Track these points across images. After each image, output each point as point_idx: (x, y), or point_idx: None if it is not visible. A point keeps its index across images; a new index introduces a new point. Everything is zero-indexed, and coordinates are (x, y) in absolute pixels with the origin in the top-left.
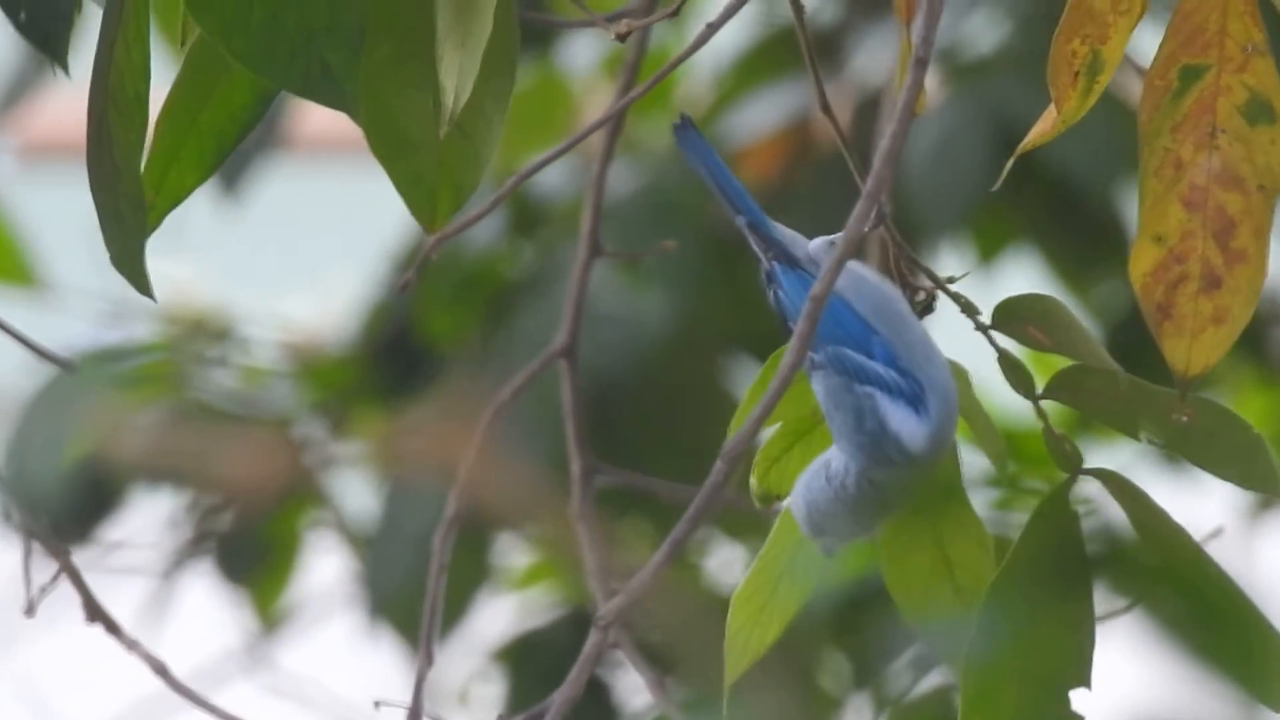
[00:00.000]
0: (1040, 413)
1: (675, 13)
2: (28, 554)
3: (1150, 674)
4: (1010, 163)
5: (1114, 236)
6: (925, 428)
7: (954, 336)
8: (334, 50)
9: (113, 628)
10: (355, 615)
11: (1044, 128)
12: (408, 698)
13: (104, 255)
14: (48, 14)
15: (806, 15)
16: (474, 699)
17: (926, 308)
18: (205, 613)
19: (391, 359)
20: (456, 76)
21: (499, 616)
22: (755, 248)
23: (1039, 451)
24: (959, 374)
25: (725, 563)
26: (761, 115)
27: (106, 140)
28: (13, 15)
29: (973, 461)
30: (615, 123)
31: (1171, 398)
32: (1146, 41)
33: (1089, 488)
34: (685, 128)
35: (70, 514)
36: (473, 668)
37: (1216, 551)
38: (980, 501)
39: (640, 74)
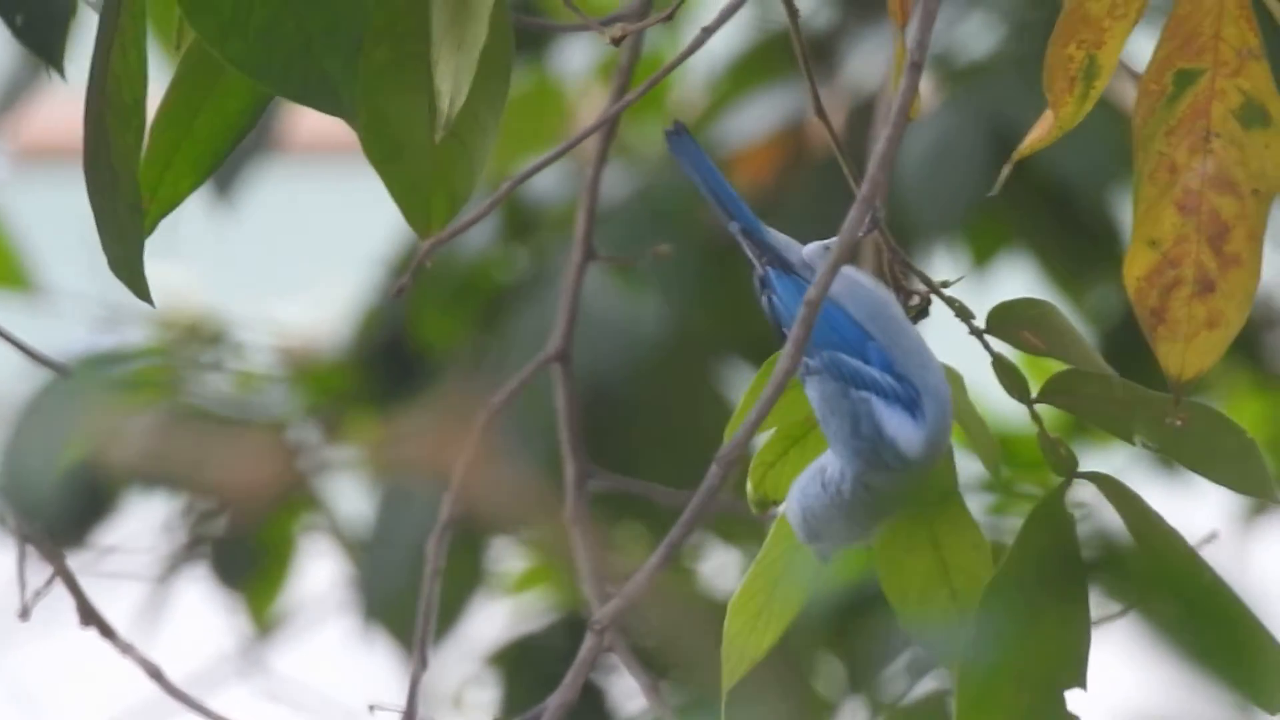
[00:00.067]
0: (1035, 417)
1: (670, 17)
2: (22, 558)
3: (1145, 677)
4: (1007, 169)
5: (1109, 241)
6: (921, 432)
7: (948, 341)
8: (332, 57)
9: (107, 631)
10: (350, 619)
11: (1040, 133)
12: (402, 702)
13: (100, 259)
14: (44, 18)
15: (801, 19)
16: (469, 703)
17: (921, 312)
18: (200, 617)
19: (386, 364)
20: (452, 81)
21: (494, 621)
22: (749, 253)
23: (1034, 456)
24: (953, 378)
25: (720, 567)
26: (756, 120)
27: (104, 145)
28: (9, 19)
29: (968, 466)
30: (609, 127)
31: (1166, 402)
32: (1142, 46)
33: (1084, 492)
34: (679, 133)
35: (65, 518)
36: (467, 672)
37: (1211, 556)
38: (976, 506)
39: (634, 78)
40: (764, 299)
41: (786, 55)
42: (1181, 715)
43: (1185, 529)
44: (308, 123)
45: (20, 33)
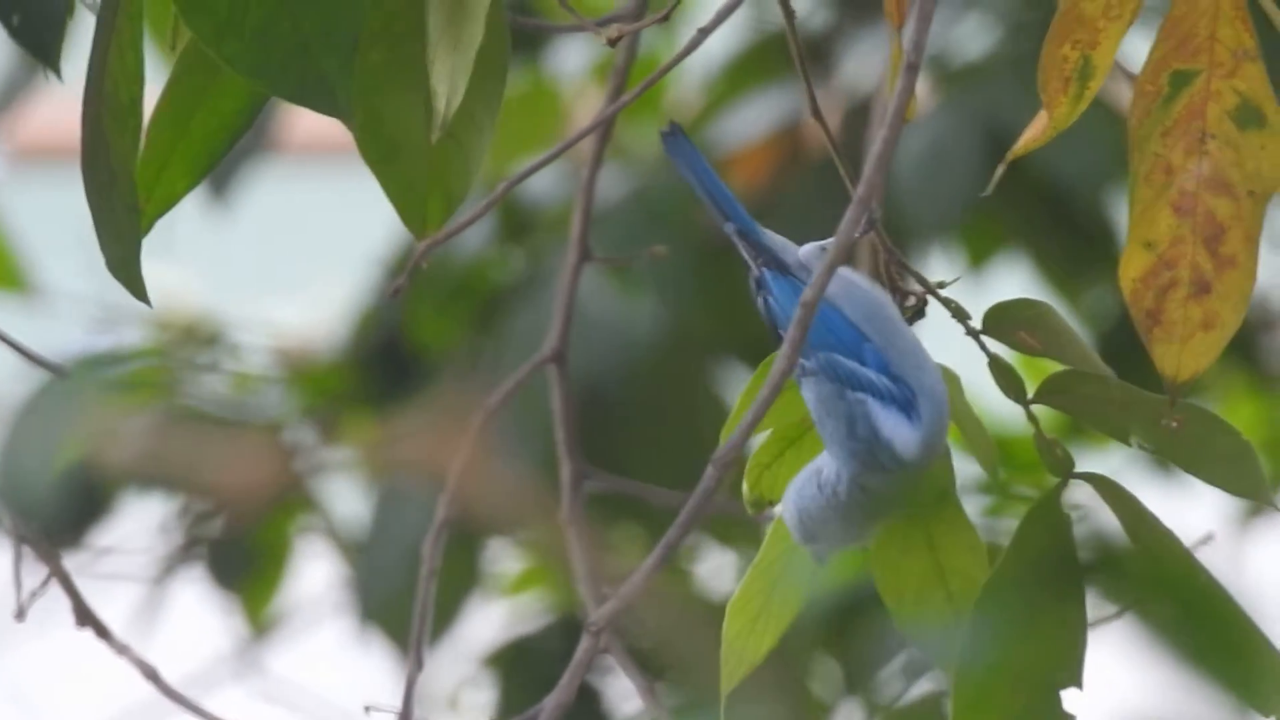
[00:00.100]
0: (1031, 417)
1: (666, 17)
2: (19, 558)
3: (1141, 679)
4: (1001, 169)
5: (1105, 242)
6: (917, 434)
7: (945, 342)
8: (328, 57)
9: (103, 632)
10: (346, 620)
11: (1035, 133)
12: (398, 703)
13: (97, 260)
14: (41, 19)
15: (797, 20)
16: (464, 705)
17: (917, 313)
18: (196, 618)
19: (382, 365)
20: (448, 82)
21: (490, 622)
22: (744, 254)
23: (1030, 458)
24: (950, 379)
25: (716, 569)
26: (751, 121)
27: (102, 146)
28: (5, 20)
29: (965, 468)
30: (605, 128)
31: (1162, 403)
32: (1137, 47)
33: (1080, 493)
34: (674, 134)
35: (61, 519)
36: (463, 673)
37: (1207, 557)
38: (972, 508)
39: (630, 79)
40: (759, 300)
41: (782, 56)
42: (1177, 717)
43: (1181, 531)
44: (304, 123)
45: (16, 33)
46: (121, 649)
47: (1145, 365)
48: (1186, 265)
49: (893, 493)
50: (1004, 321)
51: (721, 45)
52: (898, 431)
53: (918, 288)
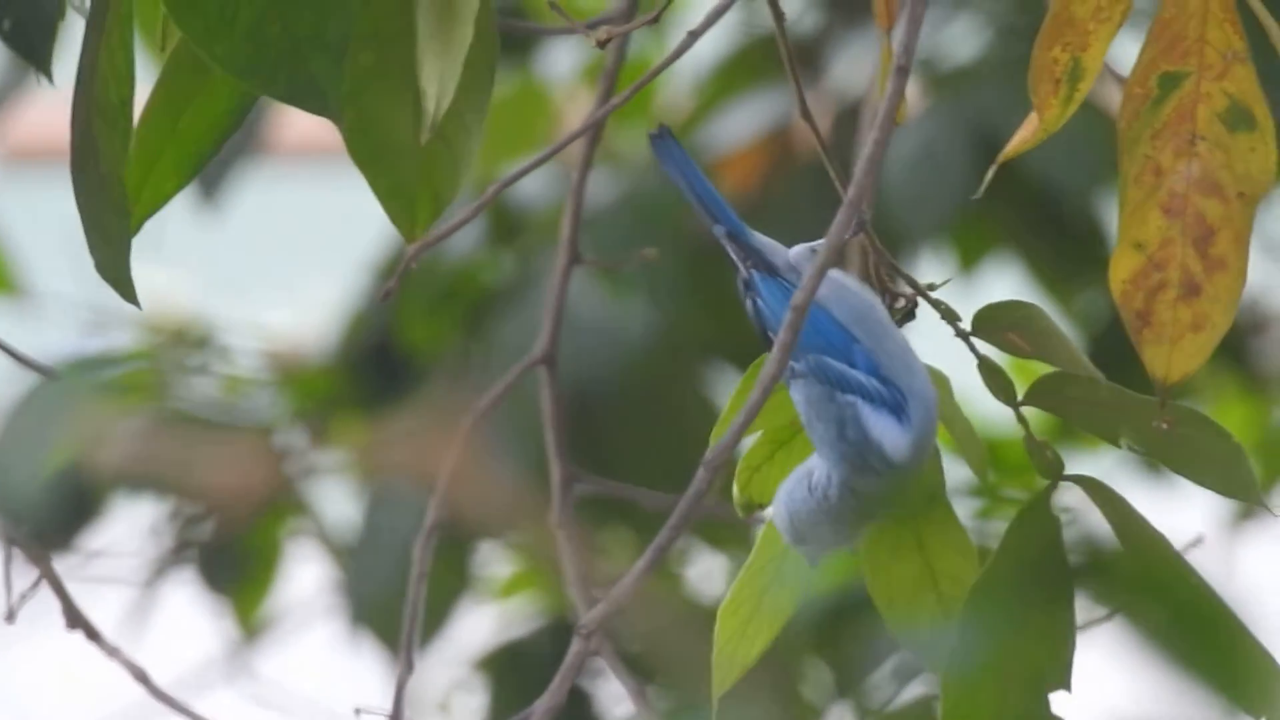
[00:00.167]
0: (1021, 419)
1: (655, 19)
2: (8, 561)
3: (1132, 682)
4: (991, 171)
5: (1096, 244)
6: (907, 436)
7: (934, 344)
8: (318, 58)
9: (93, 635)
10: (336, 623)
11: (1025, 135)
12: (389, 706)
13: (86, 262)
14: (32, 22)
15: (786, 23)
16: (455, 708)
17: (907, 315)
18: (186, 621)
19: (372, 368)
20: (438, 84)
21: (480, 625)
22: (733, 256)
23: (1021, 461)
24: (939, 381)
25: (706, 572)
26: (742, 124)
27: (92, 148)
28: None
29: (955, 471)
30: (595, 131)
31: (1152, 405)
32: (1127, 49)
33: (1070, 497)
34: (663, 137)
35: (52, 522)
36: (454, 677)
37: (1197, 560)
38: (963, 511)
39: (620, 82)
40: (747, 302)
41: (772, 59)
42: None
43: (1172, 533)
44: (294, 125)
45: (7, 37)
46: (112, 651)
47: (1137, 367)
48: (1176, 267)
49: (883, 495)
50: (993, 323)
51: (711, 48)
52: (888, 434)
53: (907, 290)
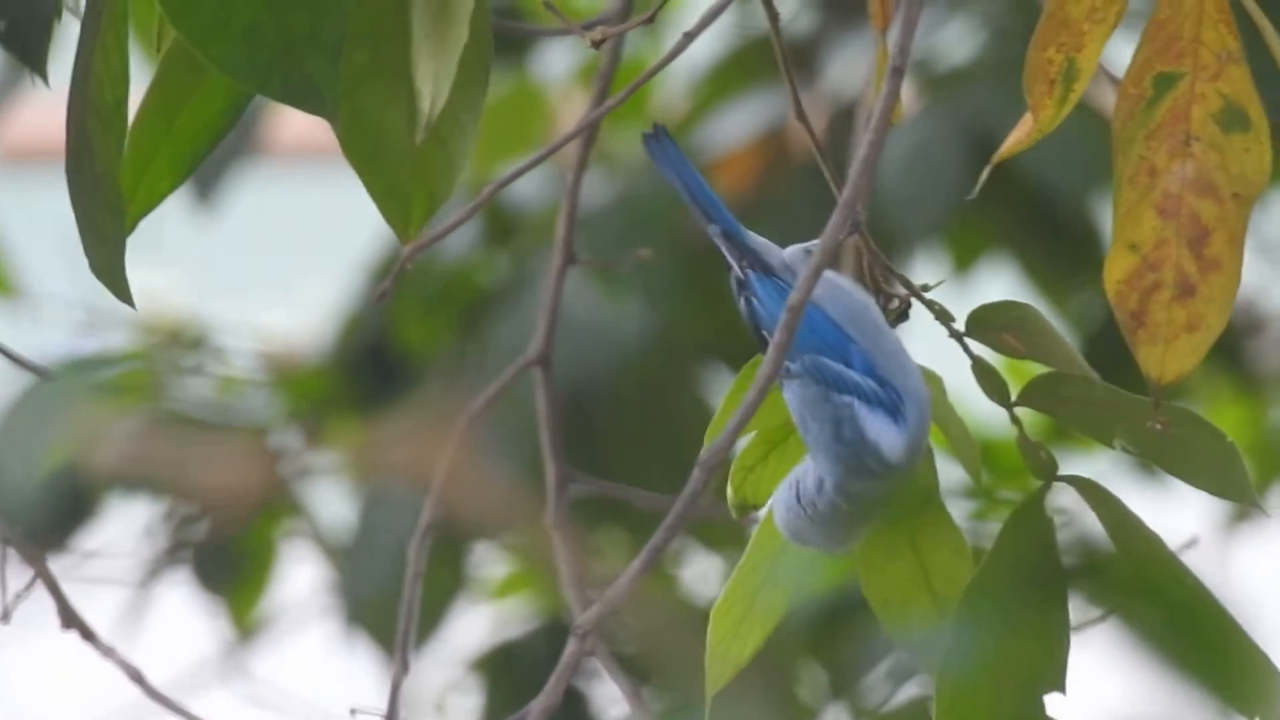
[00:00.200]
0: (1015, 420)
1: (650, 20)
2: (3, 561)
3: (1127, 683)
4: (986, 172)
5: (1091, 245)
6: (903, 437)
7: (928, 345)
8: (314, 58)
9: (88, 635)
10: (331, 624)
11: (1020, 136)
12: (384, 706)
13: (81, 263)
14: (27, 23)
15: (781, 24)
16: (450, 709)
17: (901, 315)
18: (181, 621)
19: (367, 368)
20: (432, 84)
21: (475, 626)
22: (728, 256)
23: (1015, 463)
24: (933, 381)
25: (701, 573)
26: (736, 125)
27: (87, 149)
28: None
29: (950, 472)
30: (590, 132)
31: (1146, 405)
32: (1121, 50)
33: (1065, 499)
34: (658, 137)
35: (47, 522)
36: (449, 677)
37: (1192, 561)
38: (958, 512)
39: (615, 83)
40: (742, 301)
41: (767, 60)
42: None
43: (1168, 534)
44: (290, 126)
45: (3, 38)
46: (107, 651)
47: (1132, 368)
48: (1171, 267)
49: (876, 498)
50: (987, 324)
51: (706, 49)
52: (884, 434)
53: (902, 290)
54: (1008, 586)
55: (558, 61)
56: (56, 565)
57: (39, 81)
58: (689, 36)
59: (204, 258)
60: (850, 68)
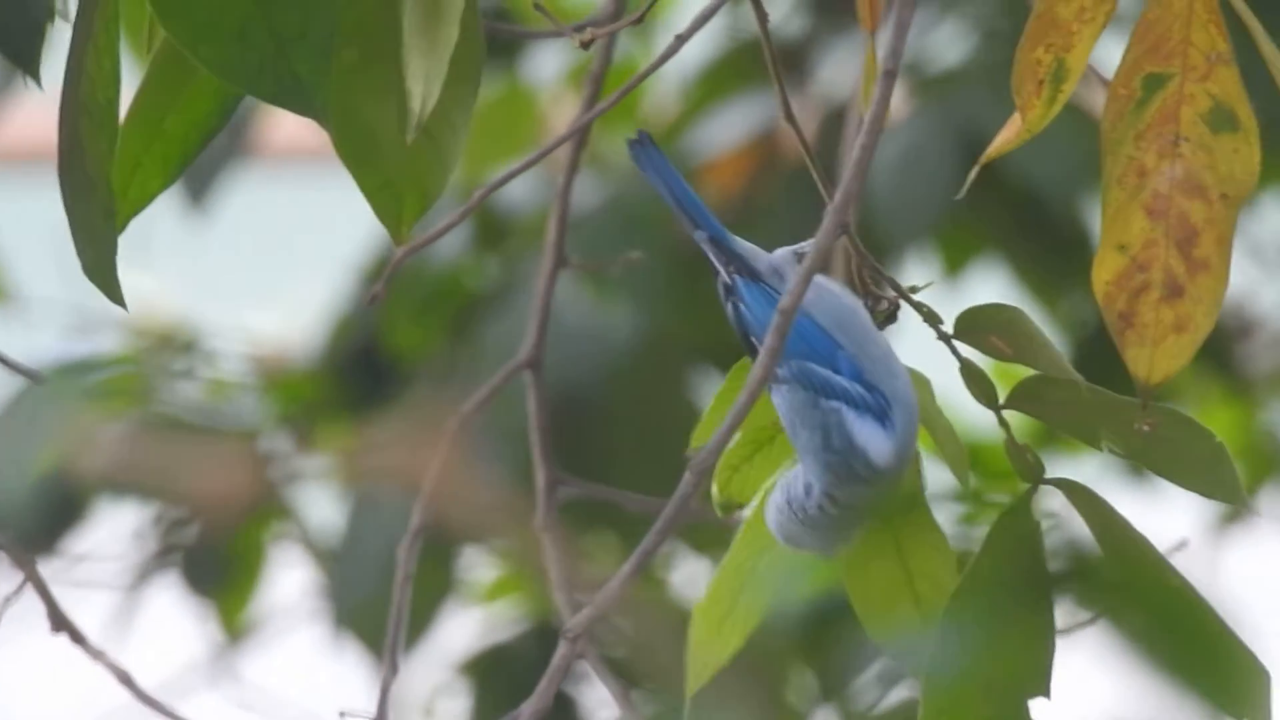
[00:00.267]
0: (1003, 423)
1: (640, 20)
2: None
3: (1116, 686)
4: (974, 171)
5: (1082, 248)
6: (891, 442)
7: (917, 347)
8: (304, 59)
9: (78, 638)
10: (320, 627)
11: (1008, 136)
12: (373, 710)
13: (72, 265)
14: (20, 25)
15: (772, 27)
16: (439, 712)
17: (890, 317)
18: (171, 624)
19: (358, 371)
20: (423, 82)
21: (465, 630)
22: (714, 261)
23: (1003, 466)
24: (920, 383)
25: (690, 577)
26: (727, 128)
27: (79, 151)
28: None
29: (938, 476)
30: (581, 135)
31: (1134, 407)
32: (1111, 51)
33: (1054, 502)
34: (642, 143)
35: (36, 525)
36: (438, 681)
37: (1182, 563)
38: (945, 516)
39: (606, 86)
40: (728, 306)
41: (758, 63)
42: None
43: (1158, 537)
44: (281, 128)
45: None
46: (96, 655)
47: (1124, 372)
48: (1159, 268)
49: (865, 503)
50: (976, 326)
51: (697, 52)
52: (873, 440)
53: (890, 292)
54: (995, 590)
55: (548, 64)
56: (46, 568)
57: (31, 83)
58: (680, 39)
59: (195, 261)
60: (841, 70)
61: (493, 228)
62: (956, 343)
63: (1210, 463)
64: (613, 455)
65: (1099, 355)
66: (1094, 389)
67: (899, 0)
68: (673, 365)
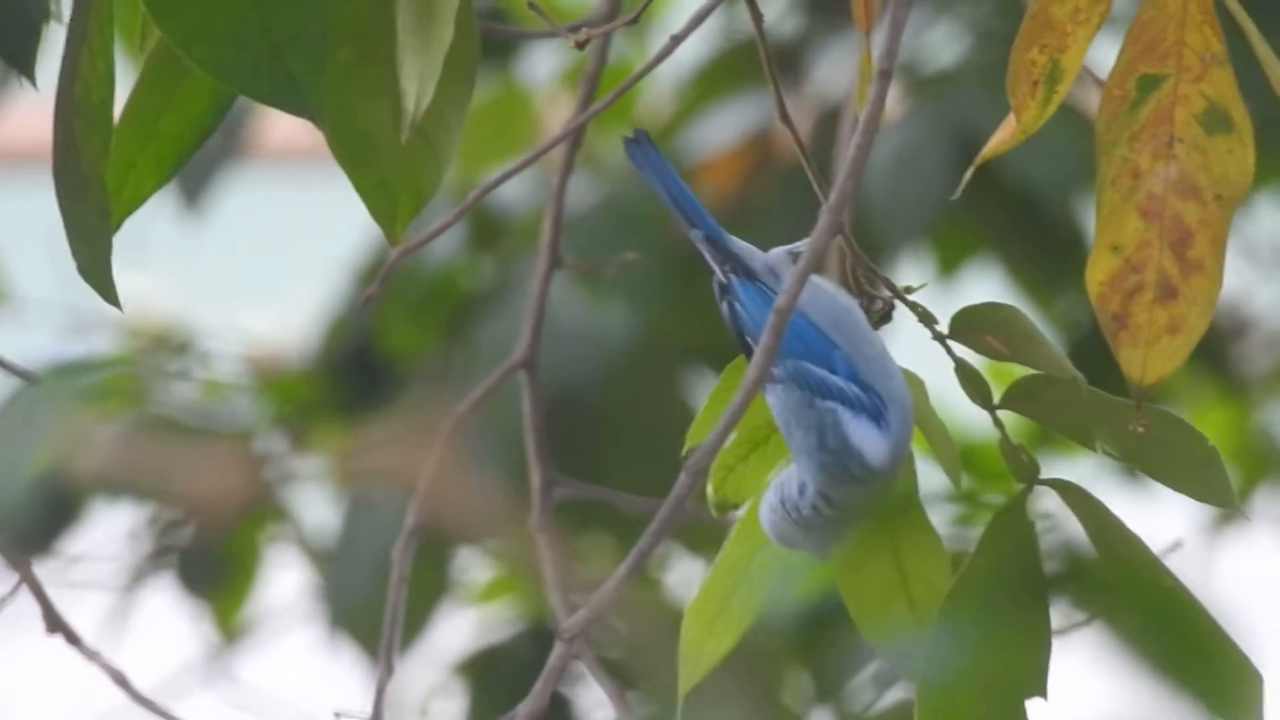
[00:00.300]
0: (997, 422)
1: (635, 20)
2: None
3: (1110, 687)
4: (969, 172)
5: (1077, 248)
6: (886, 443)
7: (911, 347)
8: (298, 60)
9: (73, 638)
10: (315, 628)
11: (1003, 137)
12: (368, 710)
13: (67, 266)
14: (15, 26)
15: (767, 27)
16: (435, 713)
17: (885, 317)
18: (166, 625)
19: (352, 372)
20: (417, 82)
21: (460, 630)
22: (710, 261)
23: (998, 466)
24: (914, 383)
25: (686, 578)
26: (722, 128)
27: (73, 151)
28: None
29: (933, 478)
30: (576, 135)
31: (1128, 408)
32: (1105, 52)
33: (1050, 502)
34: (639, 142)
35: (32, 526)
36: (434, 681)
37: (1176, 564)
38: (941, 517)
39: (601, 86)
40: (724, 305)
41: (753, 64)
42: None
43: (1153, 538)
44: (277, 129)
45: None
46: (91, 655)
47: (1118, 373)
48: (1153, 269)
49: (860, 503)
50: (971, 326)
51: (692, 53)
52: (868, 441)
53: (885, 292)
54: (989, 590)
55: (543, 65)
56: (41, 569)
57: (26, 84)
58: (676, 40)
59: (190, 261)
60: (836, 71)
61: (488, 228)
62: (951, 343)
63: (1202, 465)
64: (608, 456)
65: (1093, 356)
66: (1090, 389)
67: (893, 1)
68: (668, 365)
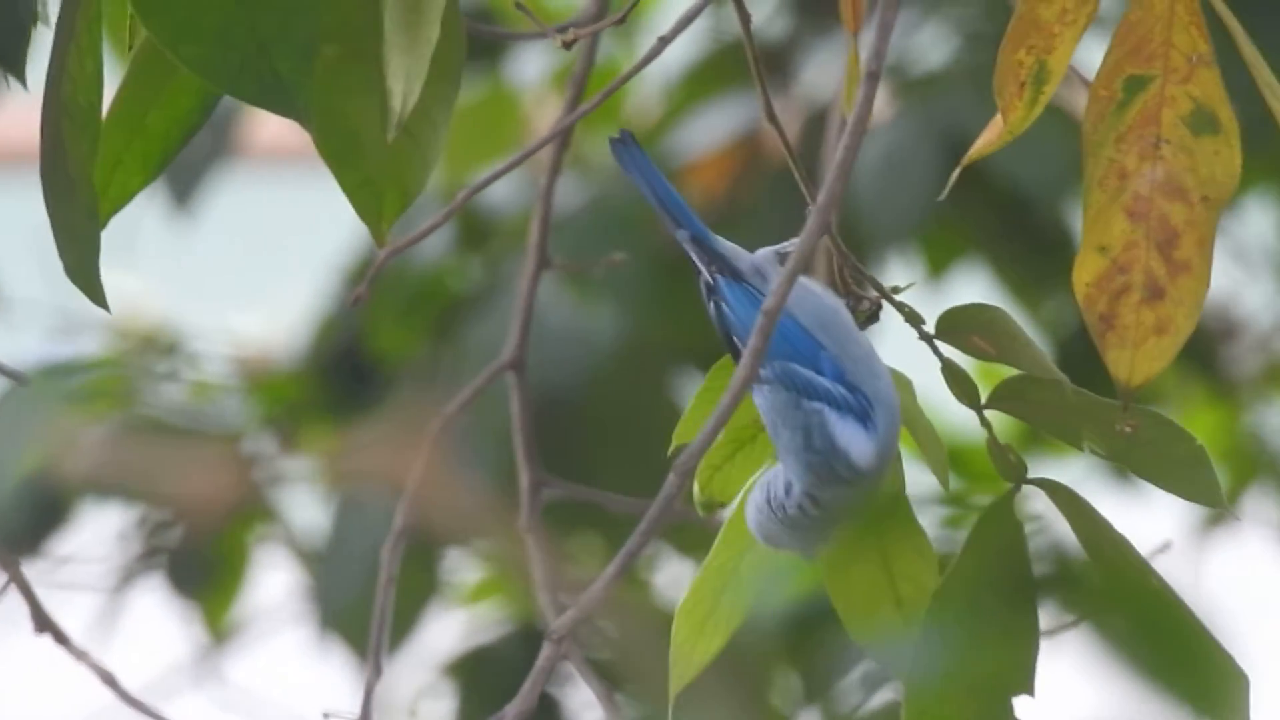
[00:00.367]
0: (984, 422)
1: (622, 20)
2: None
3: (1098, 688)
4: (956, 173)
5: (1064, 250)
6: (873, 444)
7: (898, 348)
8: (285, 59)
9: (62, 638)
10: (304, 628)
11: (990, 137)
12: (357, 711)
13: (55, 267)
14: (4, 26)
15: (755, 28)
16: (423, 714)
17: (872, 317)
18: (155, 626)
19: (341, 373)
20: (404, 81)
21: (449, 631)
22: (697, 261)
23: (986, 467)
24: (902, 383)
25: (674, 578)
26: (710, 129)
27: (61, 152)
28: None
29: (920, 478)
30: (564, 136)
31: (1116, 409)
32: (1092, 53)
33: (1038, 504)
34: (625, 142)
35: (20, 528)
36: (422, 682)
37: (1165, 566)
38: (929, 518)
39: (589, 87)
40: (710, 306)
41: (741, 65)
42: None
43: (1142, 539)
44: (265, 129)
45: None
46: (80, 656)
47: (1105, 374)
48: (1140, 270)
49: (846, 504)
50: (958, 326)
51: (680, 54)
52: (854, 442)
53: (872, 292)
54: (977, 590)
55: (531, 66)
56: (30, 570)
57: (15, 84)
58: (664, 41)
59: (178, 262)
60: (824, 72)
61: (476, 229)
62: (938, 343)
63: (1190, 465)
64: (596, 456)
65: (1080, 357)
66: (1077, 390)
67: (882, 2)
68: (655, 366)
